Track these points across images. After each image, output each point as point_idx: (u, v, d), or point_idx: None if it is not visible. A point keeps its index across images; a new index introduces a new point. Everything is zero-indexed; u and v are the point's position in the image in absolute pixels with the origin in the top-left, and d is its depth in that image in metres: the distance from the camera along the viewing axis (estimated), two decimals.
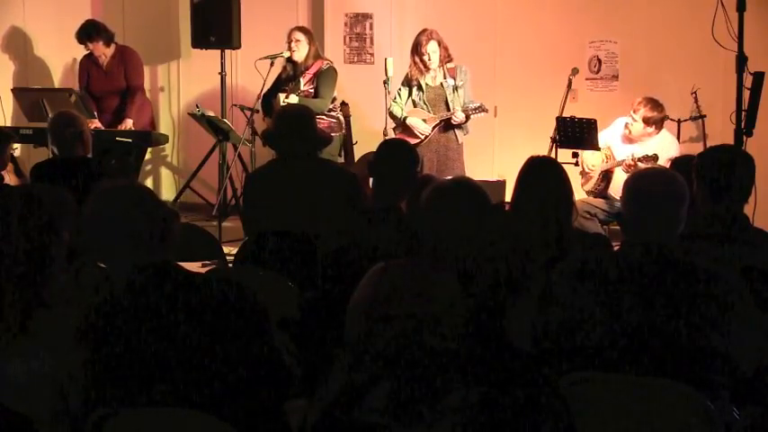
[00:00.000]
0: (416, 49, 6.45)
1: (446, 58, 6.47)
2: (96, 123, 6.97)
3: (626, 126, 5.94)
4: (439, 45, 6.41)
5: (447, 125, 6.46)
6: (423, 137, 6.45)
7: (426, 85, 6.49)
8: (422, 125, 6.45)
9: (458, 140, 6.51)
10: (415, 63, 6.47)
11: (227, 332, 2.29)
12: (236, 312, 2.31)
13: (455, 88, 6.43)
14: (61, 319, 2.43)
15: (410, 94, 6.55)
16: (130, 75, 7.32)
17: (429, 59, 6.40)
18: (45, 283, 2.51)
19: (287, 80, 6.81)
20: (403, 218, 3.52)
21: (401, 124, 6.55)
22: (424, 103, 6.49)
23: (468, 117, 6.39)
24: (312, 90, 6.68)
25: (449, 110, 6.42)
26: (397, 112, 6.55)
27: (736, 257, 3.05)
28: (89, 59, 7.38)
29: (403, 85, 6.60)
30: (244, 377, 2.30)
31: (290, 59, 6.76)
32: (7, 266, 2.50)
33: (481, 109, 6.38)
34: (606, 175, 6.01)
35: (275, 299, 3.19)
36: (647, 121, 5.84)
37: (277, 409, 2.40)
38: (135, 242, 2.32)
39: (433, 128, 6.45)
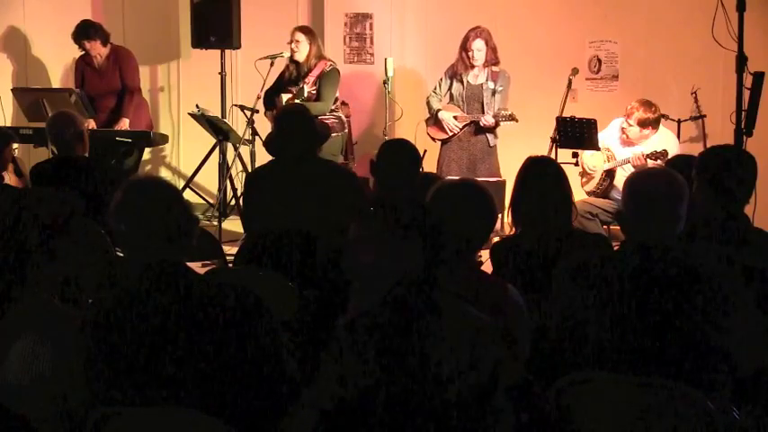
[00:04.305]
0: (463, 45, 6.56)
1: (493, 59, 6.55)
2: (91, 124, 6.96)
3: (623, 131, 5.94)
4: (486, 45, 6.51)
5: (479, 127, 6.56)
6: (451, 133, 6.59)
7: (468, 82, 6.58)
8: (452, 121, 6.59)
9: (489, 143, 6.62)
10: (461, 58, 6.57)
11: (233, 336, 2.28)
12: (244, 317, 2.30)
13: (493, 92, 6.51)
14: (63, 316, 2.42)
15: (450, 86, 6.64)
16: (125, 75, 7.29)
17: (473, 57, 6.47)
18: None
19: (290, 80, 6.77)
20: None
21: (433, 116, 6.69)
22: (462, 100, 6.59)
23: (497, 123, 6.47)
24: (315, 92, 6.65)
25: (482, 112, 6.50)
26: (435, 103, 6.68)
27: (736, 257, 3.05)
28: (83, 60, 7.36)
29: (446, 75, 6.69)
30: (247, 381, 2.29)
31: (292, 59, 6.74)
32: None
33: (511, 117, 6.43)
34: (610, 174, 6.01)
35: (275, 299, 3.18)
36: (642, 124, 5.86)
37: (279, 413, 2.38)
38: (154, 237, 2.31)
39: (462, 127, 6.56)
